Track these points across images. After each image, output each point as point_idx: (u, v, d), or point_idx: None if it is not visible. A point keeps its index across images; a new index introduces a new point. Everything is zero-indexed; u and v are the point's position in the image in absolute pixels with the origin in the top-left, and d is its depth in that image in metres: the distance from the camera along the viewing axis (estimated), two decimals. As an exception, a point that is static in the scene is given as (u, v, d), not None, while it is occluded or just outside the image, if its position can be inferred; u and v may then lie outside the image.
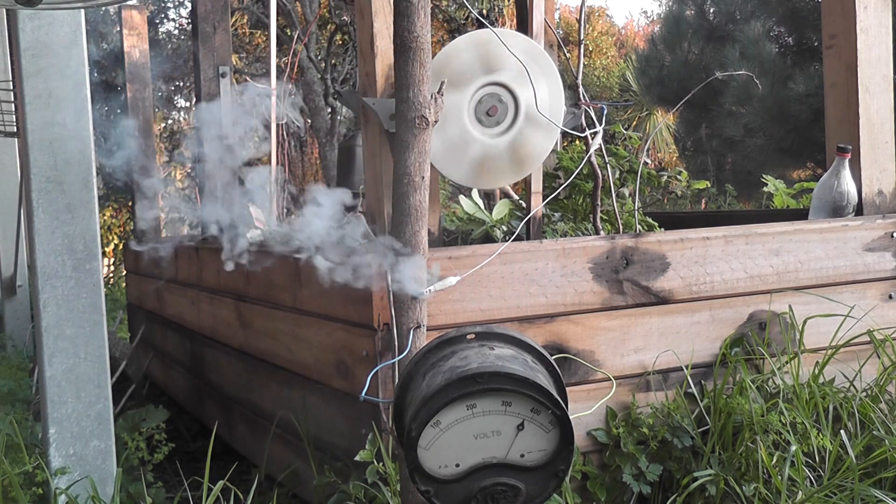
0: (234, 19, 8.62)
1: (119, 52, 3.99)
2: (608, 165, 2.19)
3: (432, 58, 1.85)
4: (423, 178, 1.26)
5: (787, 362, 1.91)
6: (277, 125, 3.79)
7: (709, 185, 3.01)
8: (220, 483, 1.67)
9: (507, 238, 2.05)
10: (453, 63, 1.85)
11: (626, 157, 2.42)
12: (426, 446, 1.05)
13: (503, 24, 7.00)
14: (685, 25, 6.57)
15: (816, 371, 1.88)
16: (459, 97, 1.86)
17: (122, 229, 9.10)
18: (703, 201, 8.19)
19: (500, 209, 2.25)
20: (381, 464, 1.62)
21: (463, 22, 7.92)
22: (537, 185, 2.09)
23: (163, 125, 10.08)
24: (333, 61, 8.32)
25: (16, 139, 4.07)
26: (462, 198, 2.25)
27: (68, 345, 1.81)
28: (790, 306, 1.97)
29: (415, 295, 1.27)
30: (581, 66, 2.19)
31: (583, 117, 2.11)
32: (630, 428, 1.78)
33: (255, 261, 2.29)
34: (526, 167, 1.96)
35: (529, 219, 2.07)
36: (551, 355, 1.17)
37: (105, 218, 8.93)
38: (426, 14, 1.23)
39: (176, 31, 9.47)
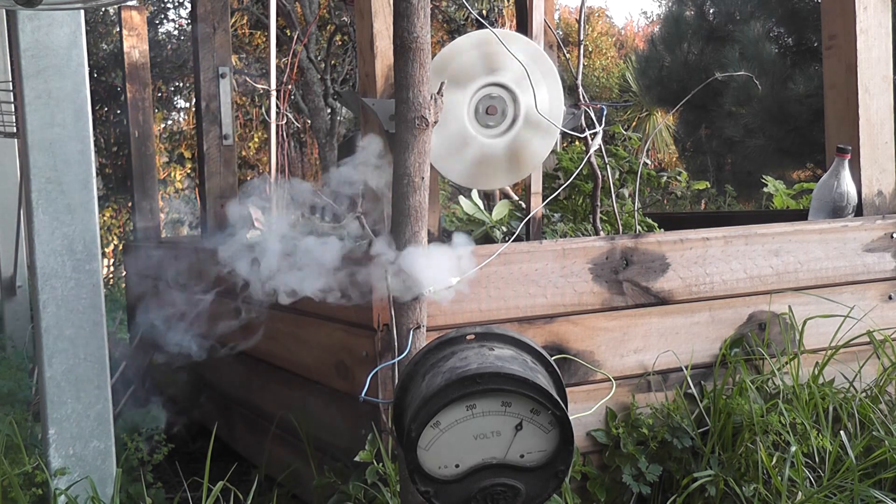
0: (233, 20, 8.62)
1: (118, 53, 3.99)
2: (608, 166, 2.19)
3: (437, 55, 1.86)
4: (423, 178, 1.26)
5: (786, 363, 1.91)
6: (277, 125, 3.78)
7: (708, 186, 3.01)
8: (220, 483, 1.67)
9: (507, 239, 2.05)
10: (456, 61, 1.86)
11: (625, 157, 2.42)
12: (426, 447, 1.05)
13: (503, 25, 7.01)
14: (685, 26, 6.57)
15: (816, 372, 1.88)
16: (460, 95, 1.86)
17: (121, 230, 9.09)
18: (703, 202, 8.20)
19: (500, 210, 2.25)
20: (380, 464, 1.62)
21: (462, 22, 7.92)
22: (537, 186, 2.09)
23: (162, 125, 10.07)
24: (333, 62, 8.32)
25: (16, 139, 4.07)
26: (462, 198, 2.25)
27: (68, 345, 1.81)
28: (790, 307, 1.97)
29: (414, 296, 1.27)
30: (581, 66, 2.19)
31: (582, 118, 2.11)
32: (630, 428, 1.78)
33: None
34: (522, 170, 1.96)
35: (529, 219, 2.07)
36: (551, 356, 1.17)
37: (105, 218, 8.93)
38: (426, 15, 1.23)
39: (175, 32, 9.47)
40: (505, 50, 1.84)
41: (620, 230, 2.20)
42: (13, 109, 3.48)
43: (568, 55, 2.36)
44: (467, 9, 5.28)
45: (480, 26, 1.96)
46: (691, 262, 1.89)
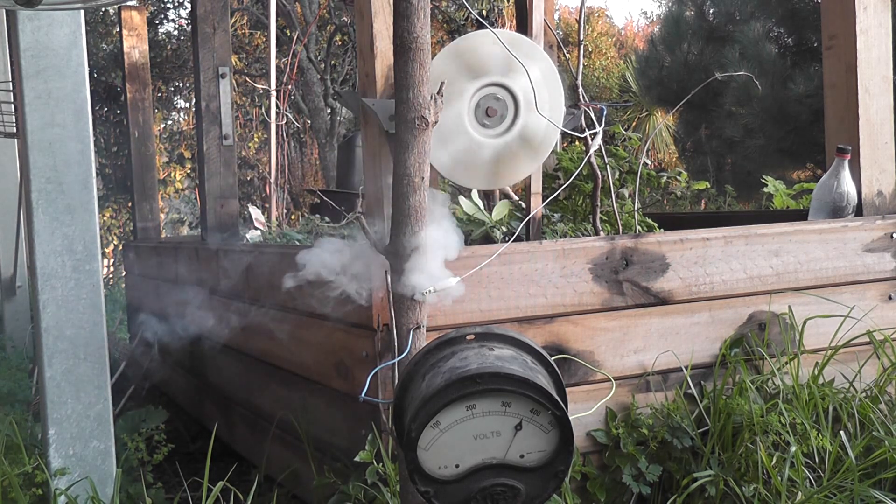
0: (233, 20, 8.61)
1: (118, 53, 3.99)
2: (608, 166, 2.20)
3: (461, 38, 1.86)
4: (423, 178, 1.26)
5: (786, 363, 1.91)
6: (276, 125, 3.78)
7: (708, 186, 3.01)
8: (220, 484, 1.67)
9: (507, 239, 2.05)
10: (477, 51, 1.85)
11: (625, 157, 2.42)
12: (426, 447, 1.05)
13: (502, 25, 7.01)
14: (685, 26, 6.57)
15: (816, 372, 1.88)
16: (457, 109, 1.86)
17: (121, 230, 9.09)
18: (703, 202, 8.19)
19: (500, 210, 2.25)
20: (380, 464, 1.62)
21: (462, 23, 7.92)
22: (537, 186, 2.09)
23: (162, 125, 10.07)
24: (333, 62, 8.32)
25: (15, 140, 4.07)
26: (462, 198, 2.25)
27: (68, 345, 1.81)
28: (790, 307, 1.97)
29: (414, 296, 1.27)
30: (581, 66, 2.19)
31: (582, 118, 2.11)
32: (630, 428, 1.78)
33: (256, 261, 2.29)
34: (500, 180, 1.97)
35: (529, 219, 2.07)
36: (551, 356, 1.17)
37: (105, 218, 8.93)
38: (426, 15, 1.23)
39: (175, 32, 9.46)
40: (480, 52, 1.85)
41: (620, 230, 2.20)
42: (13, 109, 3.48)
43: (568, 55, 2.36)
44: (467, 9, 5.28)
45: (480, 26, 1.96)
46: (691, 262, 1.89)
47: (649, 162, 2.51)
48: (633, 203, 2.31)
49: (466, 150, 1.89)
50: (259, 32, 9.20)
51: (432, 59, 1.87)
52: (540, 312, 1.77)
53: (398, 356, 1.28)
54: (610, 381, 1.80)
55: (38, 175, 1.78)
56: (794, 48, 5.98)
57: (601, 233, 2.19)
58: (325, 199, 3.37)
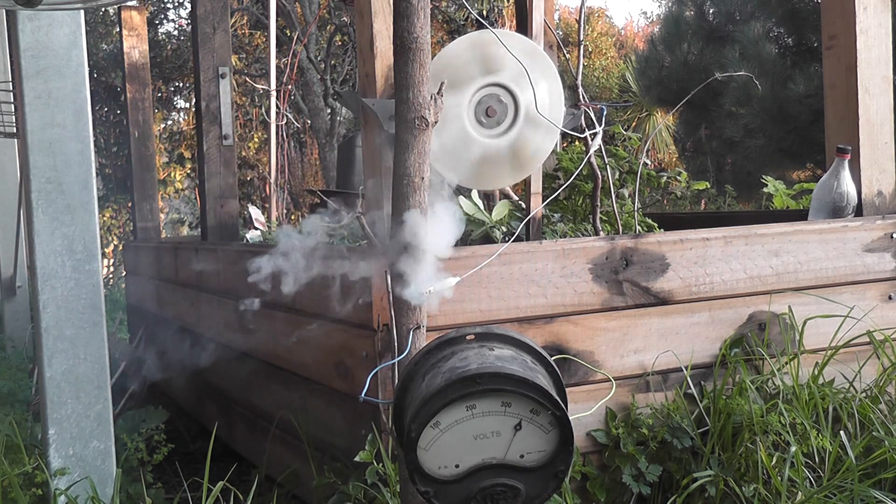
0: (233, 20, 8.61)
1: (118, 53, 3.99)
2: (608, 166, 2.20)
3: (432, 58, 1.86)
4: (423, 178, 1.26)
5: (786, 363, 1.91)
6: (276, 125, 3.78)
7: (708, 186, 3.01)
8: (220, 484, 1.67)
9: (507, 239, 2.05)
10: (452, 64, 1.85)
11: (625, 157, 2.42)
12: (426, 447, 1.05)
13: (503, 25, 7.01)
14: (685, 26, 6.57)
15: (816, 372, 1.88)
16: (459, 98, 1.86)
17: (121, 230, 9.08)
18: (703, 202, 8.19)
19: (500, 210, 2.25)
20: (380, 464, 1.62)
21: (462, 23, 7.92)
22: (537, 186, 2.09)
23: (162, 125, 10.07)
24: (333, 62, 8.31)
25: (15, 140, 4.07)
26: (462, 199, 2.25)
27: (68, 346, 1.81)
28: (790, 307, 1.97)
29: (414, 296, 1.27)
30: (581, 66, 2.19)
31: (582, 118, 2.11)
32: (630, 429, 1.78)
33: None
34: (526, 168, 1.96)
35: (529, 220, 2.07)
36: (551, 356, 1.16)
37: (105, 219, 8.92)
38: (426, 15, 1.23)
39: (175, 32, 9.45)
40: (502, 50, 1.84)
41: (620, 230, 2.20)
42: (13, 109, 3.48)
43: (568, 55, 2.36)
44: (467, 9, 5.28)
45: (480, 26, 1.96)
46: (691, 262, 1.89)
47: (649, 162, 2.51)
48: (633, 203, 2.31)
49: (457, 141, 1.88)
50: (259, 32, 9.19)
51: (452, 43, 1.88)
52: (540, 312, 1.77)
53: (398, 356, 1.27)
54: (610, 381, 1.80)
55: (38, 175, 1.78)
56: (794, 48, 5.97)
57: (601, 233, 2.19)
58: (325, 199, 3.37)
